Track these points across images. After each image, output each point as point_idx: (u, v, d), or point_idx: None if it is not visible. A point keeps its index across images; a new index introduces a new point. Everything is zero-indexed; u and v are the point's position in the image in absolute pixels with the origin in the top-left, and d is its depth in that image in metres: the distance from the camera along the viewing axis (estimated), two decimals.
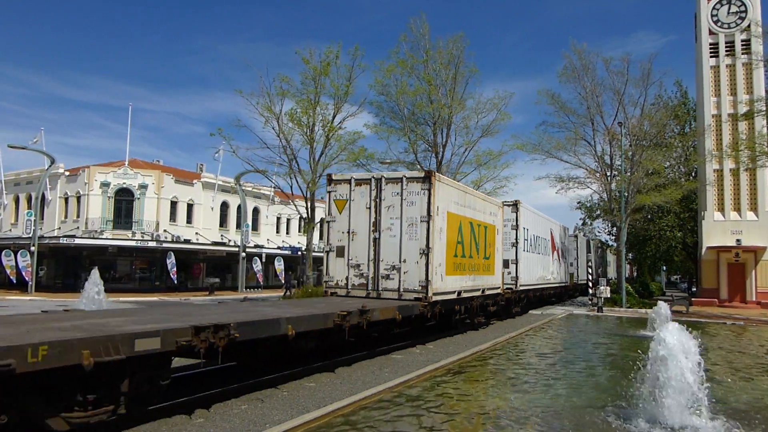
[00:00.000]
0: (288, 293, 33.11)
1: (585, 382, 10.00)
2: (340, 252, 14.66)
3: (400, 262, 13.95)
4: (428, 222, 13.72)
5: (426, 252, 13.69)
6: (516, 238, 21.90)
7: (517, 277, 21.76)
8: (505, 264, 20.80)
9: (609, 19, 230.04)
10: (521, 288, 22.32)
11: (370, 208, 14.37)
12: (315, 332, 9.55)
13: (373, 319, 10.89)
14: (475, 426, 7.12)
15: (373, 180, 14.58)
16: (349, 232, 14.57)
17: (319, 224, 33.14)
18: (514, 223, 21.99)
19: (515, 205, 22.31)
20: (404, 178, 14.20)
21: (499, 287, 19.56)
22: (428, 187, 13.81)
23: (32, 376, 5.28)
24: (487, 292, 18.23)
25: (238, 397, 8.09)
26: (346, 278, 14.55)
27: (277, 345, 8.86)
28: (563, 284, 32.69)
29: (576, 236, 37.93)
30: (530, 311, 25.73)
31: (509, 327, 18.77)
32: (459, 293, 15.61)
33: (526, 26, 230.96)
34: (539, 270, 25.47)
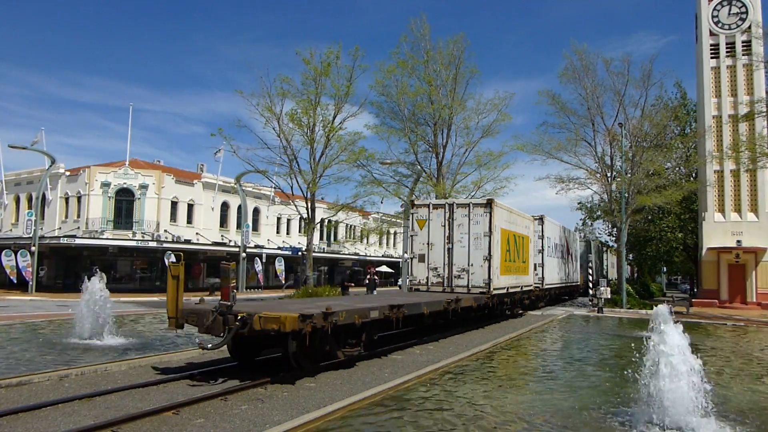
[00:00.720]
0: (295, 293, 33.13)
1: (584, 383, 10.00)
2: (422, 258, 19.01)
3: (468, 266, 18.31)
4: (489, 236, 18.16)
5: (488, 258, 18.08)
6: (542, 246, 25.77)
7: (542, 277, 25.81)
8: (534, 267, 24.46)
9: (609, 19, 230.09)
10: (546, 287, 26.62)
11: (444, 226, 18.72)
12: (435, 312, 14.48)
13: (462, 305, 15.94)
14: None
15: (446, 205, 19.02)
16: (428, 244, 18.91)
17: (319, 224, 32.97)
18: (540, 234, 25.83)
19: (541, 219, 26.25)
20: (471, 204, 18.78)
21: (531, 285, 23.85)
22: (489, 211, 18.31)
23: (334, 328, 9.91)
24: (524, 289, 22.72)
25: (240, 392, 8.10)
26: (426, 278, 18.92)
27: (416, 320, 13.88)
28: (575, 283, 36.02)
29: (588, 241, 38.95)
30: (529, 312, 25.81)
31: (510, 328, 18.77)
32: (507, 289, 20.19)
33: (526, 26, 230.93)
34: (558, 272, 28.88)
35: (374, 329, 11.88)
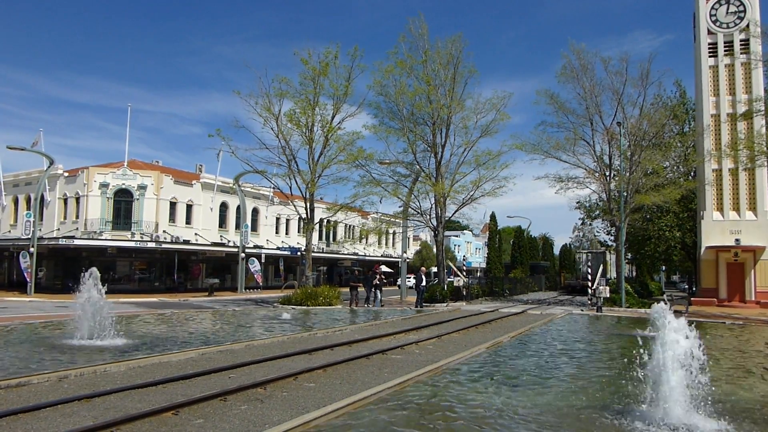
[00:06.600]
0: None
1: (585, 383, 10.02)
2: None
3: (594, 272, 30.45)
4: (603, 263, 31.28)
5: (603, 269, 30.48)
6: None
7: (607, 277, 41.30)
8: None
9: (605, 18, 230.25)
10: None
11: (587, 258, 35.19)
12: (583, 286, 39.48)
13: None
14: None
15: (589, 252, 36.89)
16: (582, 263, 47.86)
17: (318, 224, 32.85)
18: (605, 259, 38.56)
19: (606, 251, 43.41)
20: (597, 251, 35.99)
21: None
22: (604, 254, 36.13)
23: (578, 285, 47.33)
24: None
25: (239, 393, 8.10)
26: (580, 276, 49.57)
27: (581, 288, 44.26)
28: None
29: (587, 248, 44.46)
30: (528, 311, 25.88)
31: (509, 327, 18.79)
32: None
33: (523, 26, 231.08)
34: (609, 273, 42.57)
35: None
